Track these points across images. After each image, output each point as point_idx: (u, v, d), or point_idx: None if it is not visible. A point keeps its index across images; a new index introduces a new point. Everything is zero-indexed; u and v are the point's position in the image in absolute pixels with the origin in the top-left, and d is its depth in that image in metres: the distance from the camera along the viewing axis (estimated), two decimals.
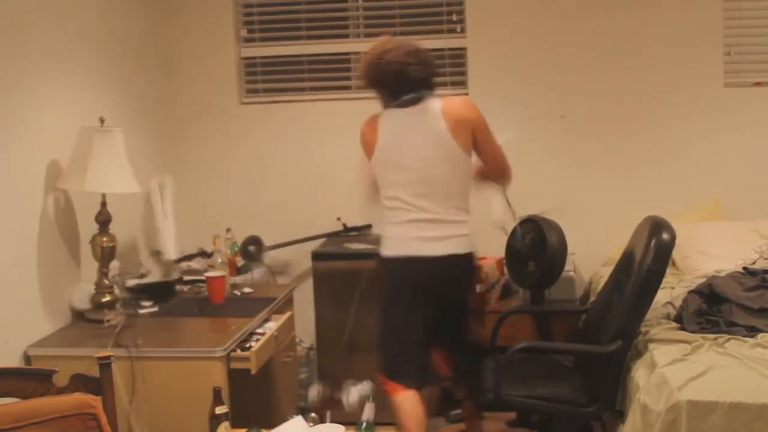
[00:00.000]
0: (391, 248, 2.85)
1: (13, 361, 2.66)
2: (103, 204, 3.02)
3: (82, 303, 3.02)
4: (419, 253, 2.80)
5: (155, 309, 3.10)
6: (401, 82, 2.83)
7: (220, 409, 2.11)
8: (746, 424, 2.27)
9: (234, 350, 2.73)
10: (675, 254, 3.74)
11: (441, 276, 2.85)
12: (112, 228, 3.06)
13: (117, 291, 3.09)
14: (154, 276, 3.66)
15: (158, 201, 3.64)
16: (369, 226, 4.24)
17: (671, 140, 4.11)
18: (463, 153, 2.82)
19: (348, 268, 3.84)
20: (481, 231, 2.98)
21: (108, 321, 2.93)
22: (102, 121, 2.98)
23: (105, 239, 3.01)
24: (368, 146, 2.92)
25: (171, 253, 3.64)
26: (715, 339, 2.70)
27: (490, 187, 3.09)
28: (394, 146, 2.85)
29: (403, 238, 2.83)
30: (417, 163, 2.82)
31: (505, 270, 3.87)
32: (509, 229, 3.53)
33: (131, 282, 3.28)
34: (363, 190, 3.09)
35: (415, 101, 2.85)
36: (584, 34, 4.11)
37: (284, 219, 4.26)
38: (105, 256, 3.01)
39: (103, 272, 3.02)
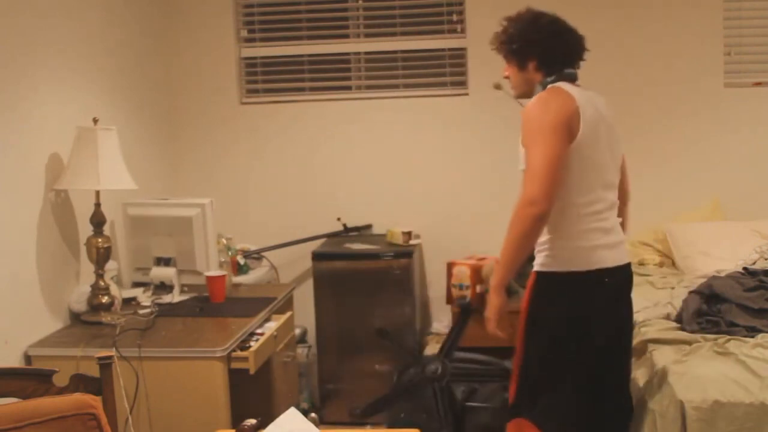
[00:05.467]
0: (594, 260, 2.34)
1: (13, 361, 2.66)
2: (97, 205, 3.00)
3: (79, 305, 3.02)
4: (615, 263, 2.39)
5: (155, 309, 3.10)
6: (576, 48, 2.45)
7: None
8: (746, 424, 2.27)
9: (234, 350, 2.73)
10: (675, 254, 3.74)
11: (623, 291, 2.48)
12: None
13: (115, 291, 3.08)
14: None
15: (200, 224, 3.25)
16: (369, 226, 4.25)
17: (671, 140, 4.11)
18: None
19: (348, 269, 3.84)
20: None
21: (106, 322, 2.92)
22: (95, 121, 2.98)
23: (100, 240, 3.00)
24: (573, 126, 2.27)
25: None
26: (715, 339, 2.70)
27: None
28: (594, 136, 2.32)
29: (615, 243, 2.40)
30: (613, 162, 2.41)
31: None
32: None
33: None
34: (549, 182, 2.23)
35: (576, 78, 2.42)
36: (583, 34, 4.09)
37: (284, 219, 4.26)
38: (100, 257, 3.00)
39: (98, 274, 3.01)
